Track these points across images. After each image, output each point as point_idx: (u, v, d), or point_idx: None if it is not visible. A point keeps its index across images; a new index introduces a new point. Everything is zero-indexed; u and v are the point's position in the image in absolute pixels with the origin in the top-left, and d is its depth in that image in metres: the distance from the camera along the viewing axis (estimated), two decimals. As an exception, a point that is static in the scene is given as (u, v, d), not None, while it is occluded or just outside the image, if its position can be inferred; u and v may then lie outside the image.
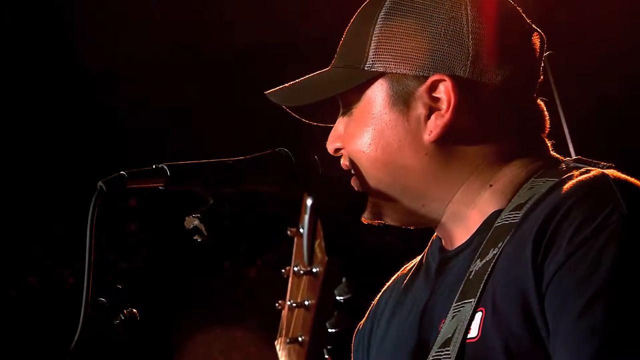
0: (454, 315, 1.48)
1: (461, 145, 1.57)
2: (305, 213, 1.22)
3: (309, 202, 1.21)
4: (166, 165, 1.68)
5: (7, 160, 4.53)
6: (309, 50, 4.28)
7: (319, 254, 1.22)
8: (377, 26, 1.59)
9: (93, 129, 4.77)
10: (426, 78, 1.56)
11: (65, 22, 4.65)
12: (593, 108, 3.82)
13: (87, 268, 1.69)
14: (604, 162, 1.55)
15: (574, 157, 1.63)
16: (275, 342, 1.37)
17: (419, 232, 1.73)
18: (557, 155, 1.64)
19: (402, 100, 1.58)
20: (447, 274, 1.60)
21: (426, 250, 1.74)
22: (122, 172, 1.64)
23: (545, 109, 1.64)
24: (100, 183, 1.63)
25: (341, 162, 1.69)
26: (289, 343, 1.28)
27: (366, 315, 1.82)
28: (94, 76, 4.70)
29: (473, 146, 1.58)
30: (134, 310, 4.09)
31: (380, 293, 1.82)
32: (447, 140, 1.56)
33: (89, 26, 4.61)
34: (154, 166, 1.68)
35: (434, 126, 1.56)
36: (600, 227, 1.38)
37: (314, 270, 1.23)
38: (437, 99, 1.57)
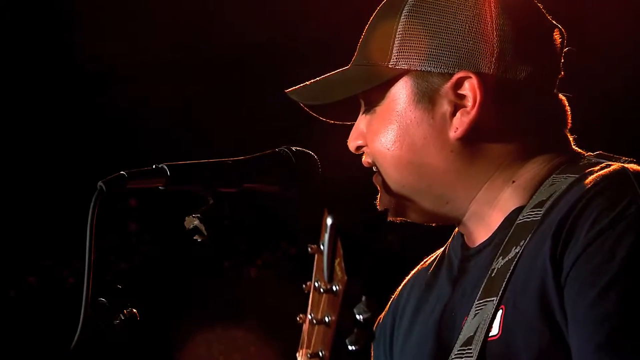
0: (476, 314, 1.49)
1: (485, 142, 1.57)
2: (326, 231, 1.23)
3: (329, 220, 1.22)
4: (166, 165, 1.68)
5: (7, 161, 4.54)
6: (309, 51, 4.28)
7: (339, 272, 1.24)
8: (400, 23, 1.58)
9: (93, 129, 4.77)
10: (451, 75, 1.56)
11: (65, 22, 4.65)
12: (593, 106, 3.82)
13: (87, 268, 1.69)
14: (625, 157, 1.55)
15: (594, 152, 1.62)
16: (297, 354, 1.39)
17: (421, 233, 1.72)
18: (579, 150, 1.64)
19: (427, 98, 1.58)
20: (469, 272, 1.60)
21: (448, 244, 1.74)
22: (122, 172, 1.64)
23: (567, 104, 1.64)
24: (100, 183, 1.63)
25: (363, 159, 1.69)
26: (310, 357, 1.30)
27: (387, 308, 1.81)
28: (94, 76, 4.70)
29: (497, 143, 1.58)
30: (134, 310, 4.08)
31: (401, 287, 1.82)
32: (471, 138, 1.56)
33: (89, 26, 4.61)
34: (154, 166, 1.68)
35: (459, 123, 1.56)
36: (618, 218, 1.39)
37: (334, 288, 1.25)
38: (462, 96, 1.57)
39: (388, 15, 1.61)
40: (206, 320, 4.53)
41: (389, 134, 1.61)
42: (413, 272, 1.81)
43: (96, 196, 1.63)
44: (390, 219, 1.67)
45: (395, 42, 1.59)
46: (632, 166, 1.50)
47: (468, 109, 1.56)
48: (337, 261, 1.24)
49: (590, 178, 1.47)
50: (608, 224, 1.38)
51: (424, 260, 1.80)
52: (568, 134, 1.65)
